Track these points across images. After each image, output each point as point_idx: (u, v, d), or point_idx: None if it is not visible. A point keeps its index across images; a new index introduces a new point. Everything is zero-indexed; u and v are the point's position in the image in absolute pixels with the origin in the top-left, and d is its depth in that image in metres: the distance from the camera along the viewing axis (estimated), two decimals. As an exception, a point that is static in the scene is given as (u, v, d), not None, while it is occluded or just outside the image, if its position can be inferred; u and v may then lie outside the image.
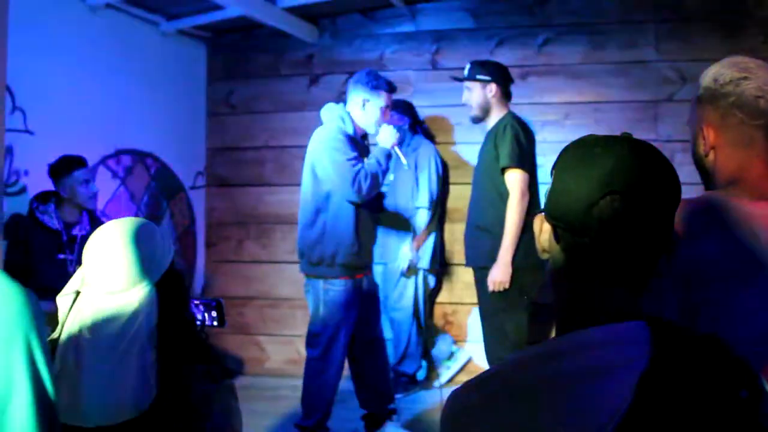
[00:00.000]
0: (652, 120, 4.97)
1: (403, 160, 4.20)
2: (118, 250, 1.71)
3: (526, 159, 3.99)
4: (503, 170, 3.97)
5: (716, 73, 1.58)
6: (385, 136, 4.03)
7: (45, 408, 1.22)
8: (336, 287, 3.93)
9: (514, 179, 3.95)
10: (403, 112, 4.99)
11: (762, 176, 1.54)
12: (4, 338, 1.18)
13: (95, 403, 1.63)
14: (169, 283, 1.78)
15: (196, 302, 3.03)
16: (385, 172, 3.96)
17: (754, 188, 1.52)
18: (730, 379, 1.04)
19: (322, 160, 3.92)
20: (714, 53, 4.78)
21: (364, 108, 4.00)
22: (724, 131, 1.56)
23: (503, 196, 3.96)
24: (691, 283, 1.42)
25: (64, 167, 3.86)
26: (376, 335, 4.19)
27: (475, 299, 4.26)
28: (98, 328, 1.67)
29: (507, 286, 3.90)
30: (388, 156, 4.00)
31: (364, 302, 4.06)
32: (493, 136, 4.07)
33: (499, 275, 3.90)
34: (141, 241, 1.74)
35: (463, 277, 5.09)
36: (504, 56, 5.09)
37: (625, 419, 0.97)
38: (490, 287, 3.92)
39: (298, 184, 4.05)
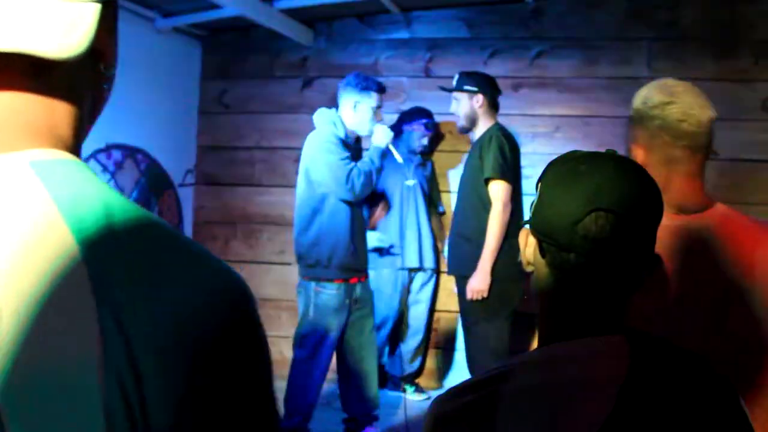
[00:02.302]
0: (641, 136, 5.00)
1: (398, 158, 4.22)
2: None
3: (509, 170, 4.03)
4: (487, 181, 4.01)
5: (646, 95, 1.71)
6: (379, 136, 4.05)
7: None
8: (328, 291, 3.95)
9: (498, 190, 3.98)
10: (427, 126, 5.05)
11: (681, 192, 1.68)
12: None
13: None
14: None
15: None
16: (379, 170, 3.98)
17: (675, 203, 1.64)
18: (708, 392, 1.06)
19: (315, 163, 3.95)
20: (706, 73, 4.91)
21: (355, 110, 4.02)
22: (651, 151, 1.69)
23: (486, 206, 4.00)
24: None
25: None
26: (366, 341, 4.19)
27: (458, 307, 4.29)
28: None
29: (485, 294, 3.93)
30: (383, 155, 4.02)
31: (356, 308, 4.07)
32: (478, 147, 4.10)
33: (478, 284, 3.93)
34: None
35: (447, 284, 5.11)
36: (497, 67, 5.12)
37: (604, 430, 0.99)
38: (468, 295, 3.96)
39: (288, 186, 4.07)
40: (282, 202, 5.58)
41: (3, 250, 0.58)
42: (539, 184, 1.19)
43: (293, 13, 5.25)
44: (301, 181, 4.06)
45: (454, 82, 4.26)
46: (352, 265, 3.99)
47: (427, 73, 5.41)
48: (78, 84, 0.72)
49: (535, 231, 1.17)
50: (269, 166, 5.68)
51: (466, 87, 4.19)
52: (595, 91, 5.04)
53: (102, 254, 0.60)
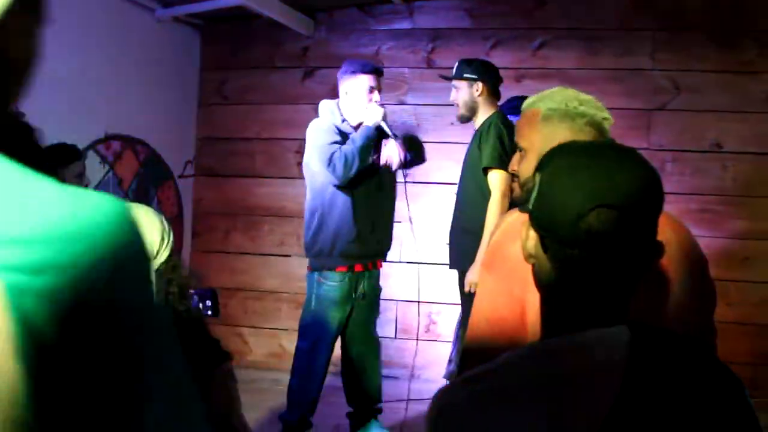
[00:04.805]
0: (644, 128, 4.98)
1: (390, 135, 4.11)
2: None
3: (508, 159, 3.97)
4: (485, 170, 3.96)
5: (563, 98, 1.78)
6: (368, 115, 3.99)
7: None
8: (330, 282, 3.92)
9: (496, 179, 3.92)
10: None
11: None
12: None
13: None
14: (169, 270, 1.78)
15: (192, 291, 3.01)
16: (361, 148, 3.85)
17: None
18: (712, 382, 1.07)
19: (307, 151, 3.97)
20: (709, 64, 4.87)
21: (348, 95, 4.00)
22: None
23: (486, 196, 3.94)
24: (515, 273, 1.53)
25: (61, 159, 3.80)
26: (370, 335, 4.17)
27: (458, 299, 4.26)
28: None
29: None
30: (366, 133, 3.92)
31: (360, 300, 4.04)
32: (478, 136, 4.06)
33: (475, 276, 3.86)
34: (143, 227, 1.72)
35: (449, 276, 5.08)
36: (499, 57, 5.09)
37: (607, 421, 0.99)
38: (466, 288, 3.91)
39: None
40: (282, 193, 5.56)
41: None
42: (538, 175, 1.18)
43: (294, 3, 5.22)
44: (305, 173, 4.06)
45: (454, 70, 4.21)
46: (356, 252, 3.95)
47: (429, 64, 5.37)
48: None
49: (537, 225, 1.16)
50: (269, 157, 5.65)
51: (466, 75, 4.14)
52: (598, 82, 5.01)
53: None
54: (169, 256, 1.79)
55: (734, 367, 1.11)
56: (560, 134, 1.75)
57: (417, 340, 4.95)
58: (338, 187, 3.89)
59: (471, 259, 3.93)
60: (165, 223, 1.81)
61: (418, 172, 5.23)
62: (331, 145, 3.84)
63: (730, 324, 4.44)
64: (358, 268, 4.00)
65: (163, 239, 1.76)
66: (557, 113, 1.78)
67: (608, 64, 5.06)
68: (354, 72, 3.99)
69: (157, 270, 1.75)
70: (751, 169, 4.86)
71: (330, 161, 3.79)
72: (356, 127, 4.04)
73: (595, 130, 1.75)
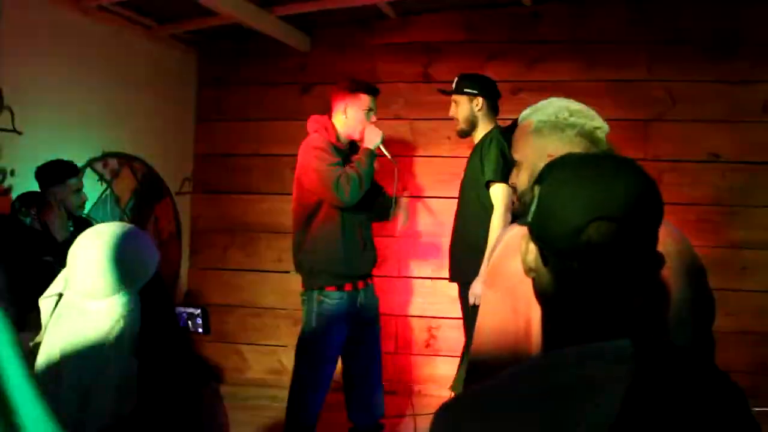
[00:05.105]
0: (641, 139, 4.99)
1: (390, 159, 4.14)
2: (101, 256, 1.68)
3: (510, 173, 3.98)
4: (487, 184, 3.97)
5: (555, 109, 1.80)
6: (369, 137, 4.00)
7: None
8: (330, 299, 3.90)
9: (499, 193, 3.94)
10: None
11: None
12: None
13: (74, 410, 1.60)
14: (153, 291, 1.75)
15: (181, 309, 2.99)
16: (368, 172, 3.90)
17: None
18: (715, 396, 1.05)
19: (305, 170, 3.93)
20: (704, 75, 4.89)
21: (346, 114, 3.99)
22: None
23: (488, 210, 3.95)
24: (518, 289, 1.53)
25: (58, 174, 3.79)
26: (371, 351, 4.14)
27: (458, 313, 4.25)
28: (79, 333, 1.64)
29: None
30: (371, 156, 3.95)
31: (360, 316, 4.02)
32: (478, 150, 4.07)
33: (480, 289, 3.87)
34: (126, 247, 1.70)
35: (448, 291, 5.07)
36: (496, 71, 5.09)
37: None
38: (471, 300, 3.91)
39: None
40: (280, 209, 5.55)
41: None
42: (537, 188, 1.18)
43: (290, 20, 5.23)
44: (294, 187, 4.04)
45: (454, 85, 4.22)
46: (346, 272, 3.95)
47: (426, 78, 5.38)
48: None
49: (536, 238, 1.16)
50: (267, 173, 5.65)
51: (467, 90, 4.15)
52: (595, 94, 4.99)
53: None
54: (155, 275, 1.75)
55: (732, 376, 1.10)
56: (551, 146, 1.76)
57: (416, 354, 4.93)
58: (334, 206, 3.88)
59: (473, 272, 3.92)
60: (150, 242, 1.79)
61: (412, 185, 5.24)
62: (334, 166, 3.82)
63: (729, 333, 4.42)
64: (355, 285, 3.99)
65: (147, 259, 1.74)
66: (547, 125, 1.79)
67: (605, 76, 5.07)
68: (356, 91, 4.00)
69: (142, 290, 1.71)
70: (748, 178, 4.87)
71: (337, 185, 3.78)
72: (350, 145, 4.05)
73: (586, 140, 1.75)
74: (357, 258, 4.01)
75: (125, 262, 1.69)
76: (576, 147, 1.73)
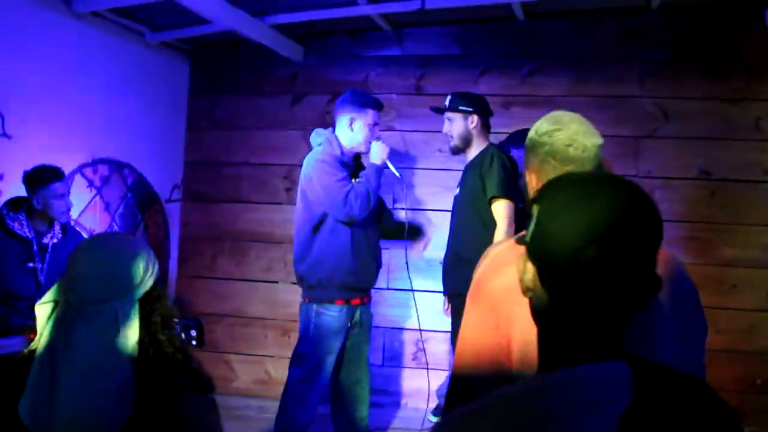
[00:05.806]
0: (633, 155, 4.99)
1: (396, 174, 4.16)
2: (101, 262, 1.68)
3: (512, 188, 4.01)
4: (491, 200, 3.98)
5: (537, 125, 1.81)
6: (376, 152, 4.01)
7: None
8: (329, 312, 3.89)
9: (503, 209, 3.98)
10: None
11: None
12: None
13: (70, 417, 1.58)
14: (152, 298, 1.76)
15: (176, 321, 2.97)
16: (376, 188, 3.92)
17: None
18: (710, 418, 1.05)
19: (311, 184, 3.90)
20: (697, 92, 4.89)
21: (351, 127, 3.98)
22: (542, 176, 1.75)
23: (487, 225, 3.98)
24: (500, 307, 1.58)
25: (41, 179, 3.78)
26: (363, 364, 4.13)
27: (446, 326, 4.23)
28: (77, 340, 1.62)
29: None
30: (379, 172, 3.97)
31: (355, 331, 4.01)
32: (477, 167, 4.08)
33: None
34: (126, 254, 1.72)
35: (436, 303, 5.05)
36: (488, 84, 5.11)
37: None
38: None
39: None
40: (270, 218, 5.54)
41: None
42: (536, 207, 1.17)
43: (284, 29, 5.22)
44: (298, 201, 4.01)
45: (447, 103, 4.23)
46: (354, 284, 3.94)
47: (418, 90, 5.38)
48: None
49: (535, 258, 1.16)
50: (258, 182, 5.63)
51: (462, 107, 4.18)
52: (587, 110, 4.96)
53: None
54: (154, 285, 1.77)
55: (722, 395, 1.09)
56: (531, 164, 1.79)
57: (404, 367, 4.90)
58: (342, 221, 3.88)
59: (467, 287, 3.90)
60: (150, 252, 1.79)
61: (404, 198, 5.22)
62: (342, 182, 3.81)
63: (719, 352, 4.42)
64: (355, 301, 3.98)
65: (147, 269, 1.74)
66: (529, 143, 1.81)
67: (597, 91, 5.08)
68: (364, 105, 3.99)
69: (141, 299, 1.72)
70: (739, 196, 4.87)
71: (346, 201, 3.78)
72: (353, 158, 4.05)
73: (555, 159, 1.74)
74: (366, 271, 4.02)
75: (125, 269, 1.70)
76: (548, 165, 1.75)
